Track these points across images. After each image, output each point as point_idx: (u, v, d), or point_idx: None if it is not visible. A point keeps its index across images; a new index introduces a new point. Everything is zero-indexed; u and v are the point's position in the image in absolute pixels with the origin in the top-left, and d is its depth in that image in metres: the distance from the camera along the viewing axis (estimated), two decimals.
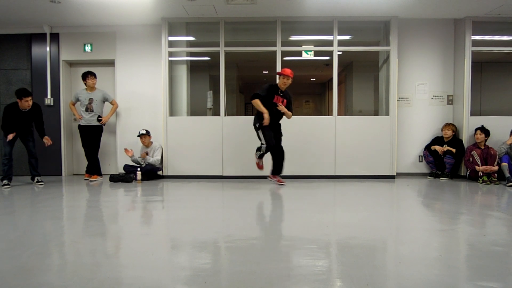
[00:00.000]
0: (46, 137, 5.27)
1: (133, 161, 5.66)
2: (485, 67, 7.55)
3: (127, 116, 6.07)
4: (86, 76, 5.52)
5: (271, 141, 4.63)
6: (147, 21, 5.84)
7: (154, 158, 5.57)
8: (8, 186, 4.93)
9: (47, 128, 5.44)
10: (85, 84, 5.57)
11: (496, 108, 6.75)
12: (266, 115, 4.51)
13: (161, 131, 5.78)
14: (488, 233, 2.68)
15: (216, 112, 5.95)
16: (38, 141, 5.34)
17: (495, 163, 5.18)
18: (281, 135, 4.89)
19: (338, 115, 5.72)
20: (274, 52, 5.68)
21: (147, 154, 5.60)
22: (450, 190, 4.66)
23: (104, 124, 5.71)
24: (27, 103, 4.99)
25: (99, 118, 5.59)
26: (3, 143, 5.12)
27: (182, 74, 6.13)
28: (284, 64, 5.81)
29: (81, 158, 6.08)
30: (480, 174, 5.20)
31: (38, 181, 5.18)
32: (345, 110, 9.01)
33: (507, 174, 4.99)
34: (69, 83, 6.31)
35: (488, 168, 5.15)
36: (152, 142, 5.70)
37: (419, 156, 5.95)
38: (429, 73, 5.92)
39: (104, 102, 5.70)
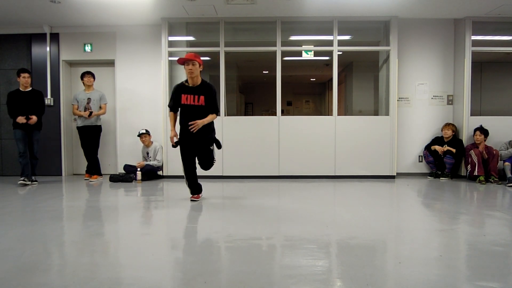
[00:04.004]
0: (34, 118, 5.06)
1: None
2: (485, 67, 7.55)
3: (127, 116, 6.06)
4: (83, 75, 5.57)
5: (185, 162, 3.76)
6: (147, 21, 5.84)
7: (155, 161, 5.60)
8: (24, 183, 5.04)
9: (47, 127, 5.43)
10: (83, 83, 5.60)
11: (496, 108, 6.75)
12: (172, 132, 3.74)
13: (161, 131, 5.78)
14: (488, 233, 2.68)
15: None
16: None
17: (497, 163, 5.18)
18: (206, 146, 3.85)
19: (338, 115, 5.72)
20: (274, 52, 5.67)
21: (145, 159, 5.66)
22: (450, 190, 4.66)
23: (90, 115, 5.45)
24: (24, 79, 5.15)
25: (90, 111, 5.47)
26: (16, 141, 5.14)
27: (182, 74, 6.11)
28: (284, 64, 5.80)
29: (81, 158, 6.07)
30: (476, 173, 5.19)
31: (33, 181, 5.22)
32: (345, 110, 9.01)
33: (509, 174, 4.97)
34: (69, 83, 6.31)
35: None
36: (152, 142, 5.70)
37: (419, 156, 5.95)
38: (429, 73, 5.92)
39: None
